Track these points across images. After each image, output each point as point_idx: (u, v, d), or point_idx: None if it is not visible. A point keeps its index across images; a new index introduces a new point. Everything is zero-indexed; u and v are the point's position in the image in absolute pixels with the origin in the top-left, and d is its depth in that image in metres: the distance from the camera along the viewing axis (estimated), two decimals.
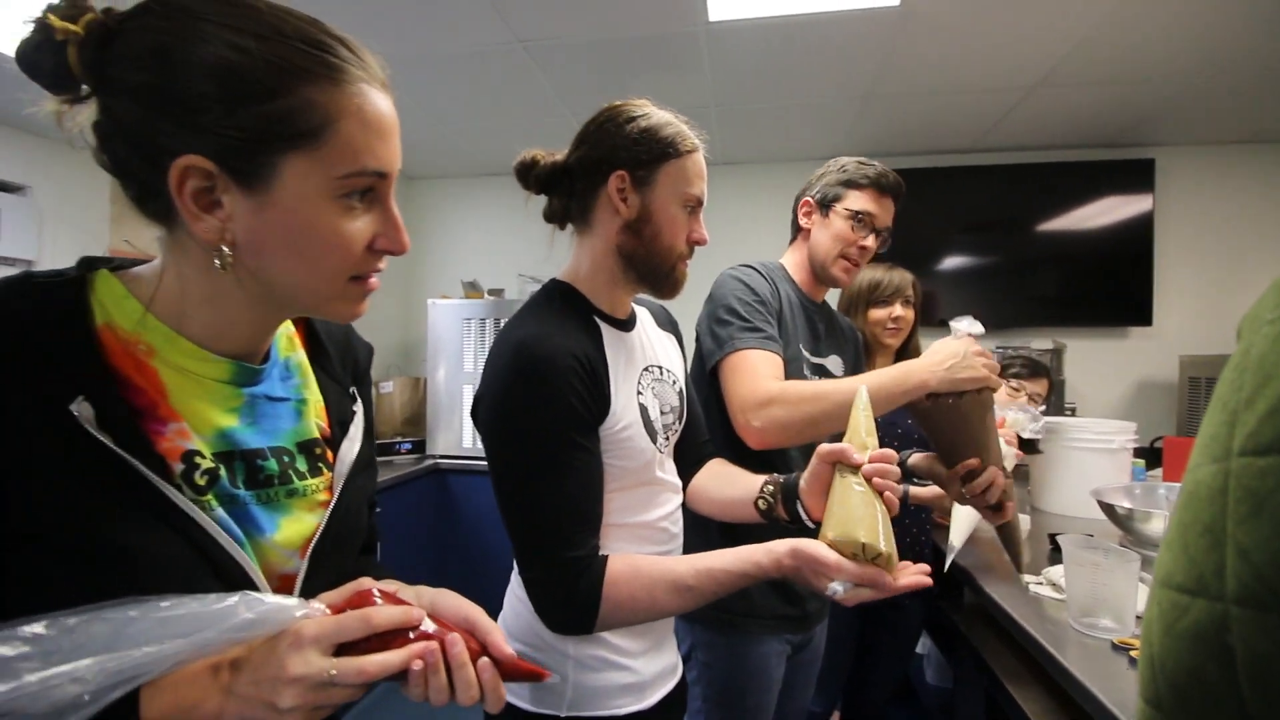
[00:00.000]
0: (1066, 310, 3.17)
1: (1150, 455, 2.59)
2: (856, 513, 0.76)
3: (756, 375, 1.15)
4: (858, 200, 1.30)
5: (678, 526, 1.01)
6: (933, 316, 3.12)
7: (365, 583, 0.57)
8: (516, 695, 0.89)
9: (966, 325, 1.12)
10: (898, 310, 1.85)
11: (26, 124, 2.64)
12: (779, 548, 0.79)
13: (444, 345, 3.30)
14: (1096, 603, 1.10)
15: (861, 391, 0.91)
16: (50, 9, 0.48)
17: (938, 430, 1.15)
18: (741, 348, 1.18)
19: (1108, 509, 1.52)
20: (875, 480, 0.78)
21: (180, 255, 0.54)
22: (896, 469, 0.80)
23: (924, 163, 3.25)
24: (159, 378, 0.53)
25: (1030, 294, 3.19)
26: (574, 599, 0.81)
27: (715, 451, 1.14)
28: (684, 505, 1.06)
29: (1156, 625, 0.35)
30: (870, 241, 1.31)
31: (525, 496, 0.83)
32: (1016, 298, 3.21)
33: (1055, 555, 1.49)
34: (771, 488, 0.96)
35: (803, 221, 1.39)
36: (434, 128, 3.07)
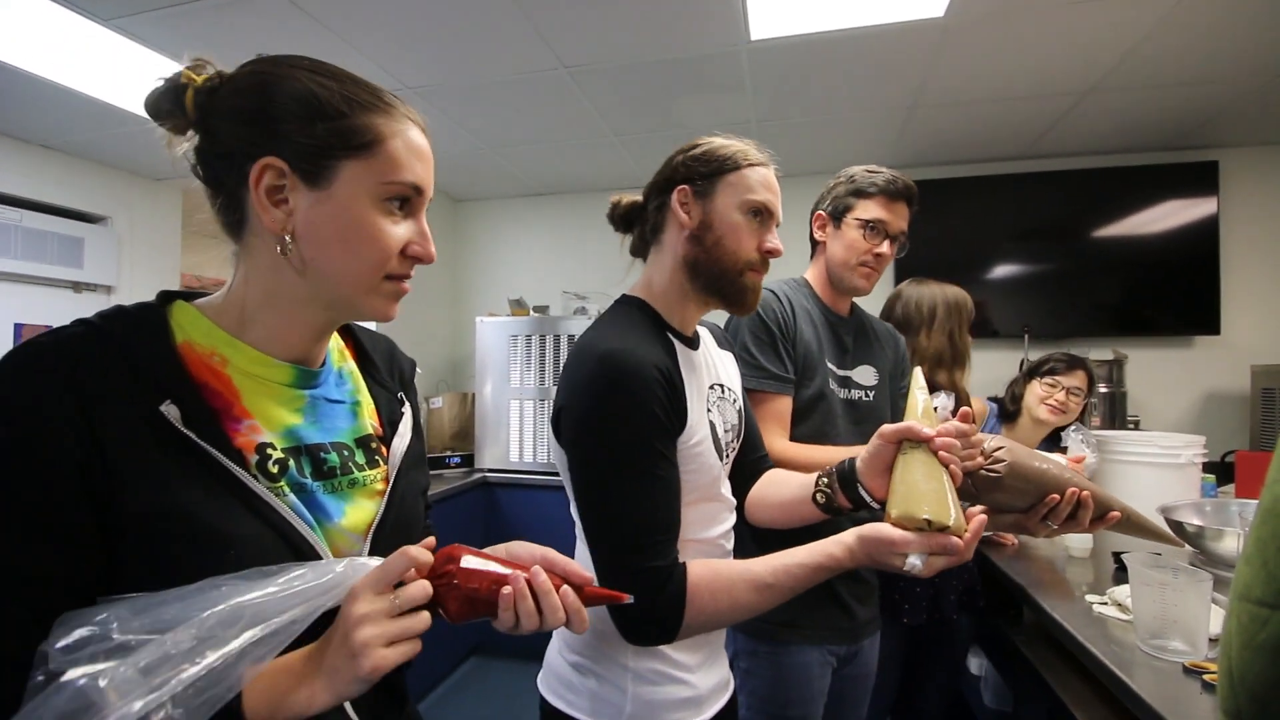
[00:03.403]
0: (1127, 319, 3.05)
1: (1221, 470, 2.48)
2: (920, 488, 0.77)
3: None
4: (868, 209, 1.32)
5: (731, 543, 1.01)
6: (985, 327, 3.05)
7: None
8: (576, 708, 0.91)
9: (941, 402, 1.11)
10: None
11: (108, 158, 2.82)
12: (846, 537, 0.79)
13: (491, 361, 3.37)
14: (1166, 624, 1.06)
15: (916, 373, 0.93)
16: (187, 69, 0.62)
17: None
18: (749, 389, 1.24)
19: (1176, 526, 1.46)
20: (941, 454, 0.79)
21: (248, 261, 0.63)
22: (966, 443, 0.81)
23: (973, 171, 3.20)
24: (233, 383, 0.61)
25: (1088, 302, 3.07)
26: (657, 608, 0.81)
27: (770, 465, 1.15)
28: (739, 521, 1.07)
29: (1236, 638, 0.35)
30: (885, 248, 1.32)
31: (611, 506, 0.83)
32: (1073, 307, 3.09)
33: (1120, 575, 1.44)
34: (826, 479, 0.96)
35: (817, 235, 1.41)
36: (481, 151, 3.16)
